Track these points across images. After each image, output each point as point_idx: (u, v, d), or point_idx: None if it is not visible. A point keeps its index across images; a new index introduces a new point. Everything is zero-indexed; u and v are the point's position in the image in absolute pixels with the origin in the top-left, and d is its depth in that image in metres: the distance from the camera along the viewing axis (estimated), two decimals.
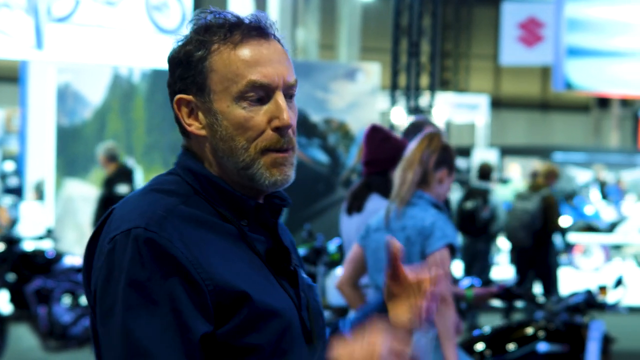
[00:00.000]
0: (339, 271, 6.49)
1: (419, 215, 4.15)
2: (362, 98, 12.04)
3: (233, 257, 1.69)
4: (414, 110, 13.64)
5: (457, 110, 25.68)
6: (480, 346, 5.11)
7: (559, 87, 17.13)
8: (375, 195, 4.79)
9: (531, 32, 17.59)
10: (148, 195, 1.73)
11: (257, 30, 1.74)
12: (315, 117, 11.77)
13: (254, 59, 1.71)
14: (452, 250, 4.12)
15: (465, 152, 24.46)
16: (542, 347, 5.03)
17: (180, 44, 1.75)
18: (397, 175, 4.26)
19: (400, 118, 14.04)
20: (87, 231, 11.69)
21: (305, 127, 11.69)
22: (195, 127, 1.74)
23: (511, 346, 5.09)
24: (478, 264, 10.85)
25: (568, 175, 22.91)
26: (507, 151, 25.27)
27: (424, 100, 13.77)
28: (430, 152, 4.21)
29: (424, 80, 13.80)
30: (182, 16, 8.81)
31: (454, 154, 4.31)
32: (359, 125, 11.72)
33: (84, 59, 8.58)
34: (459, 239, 12.15)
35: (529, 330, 5.11)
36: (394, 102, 13.83)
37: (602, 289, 5.06)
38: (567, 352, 5.02)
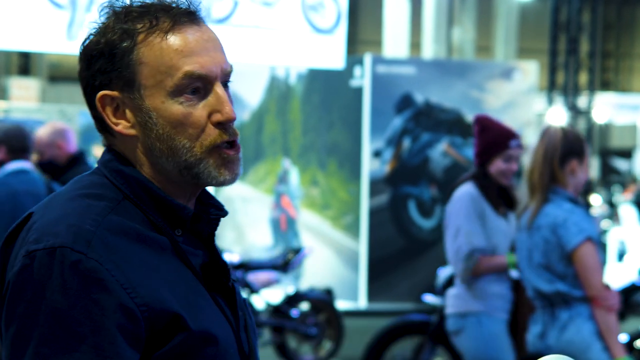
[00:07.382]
0: None
1: (552, 212, 4.08)
2: (519, 97, 11.87)
3: (166, 275, 1.52)
4: (572, 110, 13.36)
5: (619, 111, 25.03)
6: None
7: None
8: None
9: None
10: (75, 201, 1.53)
11: (188, 15, 1.57)
12: (471, 117, 11.66)
13: (189, 47, 1.54)
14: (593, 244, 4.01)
15: (627, 153, 23.82)
16: None
17: (97, 32, 1.56)
18: (526, 177, 4.21)
19: (558, 118, 13.74)
20: (246, 231, 11.95)
21: (461, 127, 11.61)
22: (123, 126, 1.56)
23: None
24: None
25: None
26: None
27: (582, 100, 13.46)
28: (553, 147, 4.09)
29: (583, 78, 13.50)
30: (337, 15, 8.89)
31: (581, 140, 4.15)
32: (515, 125, 11.54)
33: (241, 60, 8.75)
34: None
35: None
36: (550, 101, 13.58)
37: None
38: None
